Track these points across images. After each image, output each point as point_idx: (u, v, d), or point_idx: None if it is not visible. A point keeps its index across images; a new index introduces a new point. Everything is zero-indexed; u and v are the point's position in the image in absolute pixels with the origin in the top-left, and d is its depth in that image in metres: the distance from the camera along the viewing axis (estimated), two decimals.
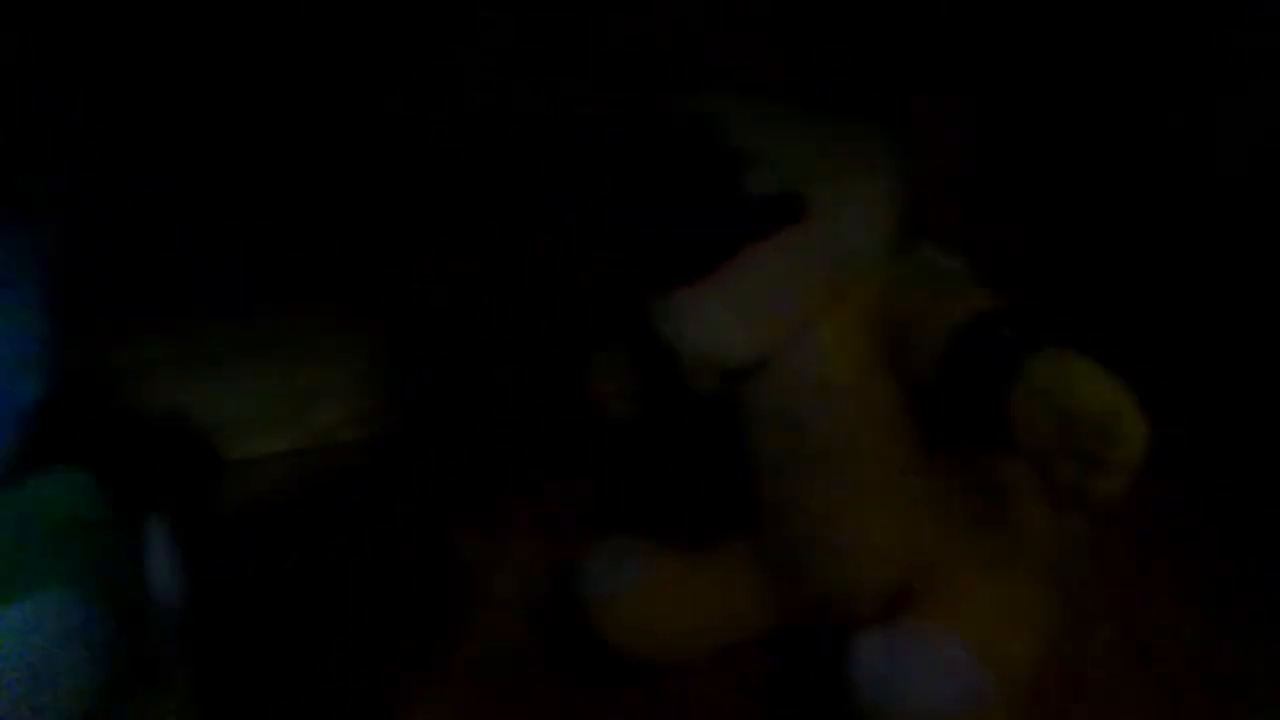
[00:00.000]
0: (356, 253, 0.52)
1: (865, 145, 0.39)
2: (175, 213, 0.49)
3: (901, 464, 0.37)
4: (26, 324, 0.34)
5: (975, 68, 0.47)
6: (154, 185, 0.48)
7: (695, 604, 0.41)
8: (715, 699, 0.41)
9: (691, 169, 0.38)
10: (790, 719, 0.40)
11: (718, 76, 0.42)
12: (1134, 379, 0.31)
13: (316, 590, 0.47)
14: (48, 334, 0.34)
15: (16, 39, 0.41)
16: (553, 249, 0.51)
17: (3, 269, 0.35)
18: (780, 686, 0.41)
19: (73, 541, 0.31)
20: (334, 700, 0.43)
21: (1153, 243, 0.54)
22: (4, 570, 0.30)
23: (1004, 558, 0.36)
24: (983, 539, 0.36)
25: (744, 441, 0.40)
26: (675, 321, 0.39)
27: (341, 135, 0.49)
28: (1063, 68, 0.50)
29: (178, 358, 0.52)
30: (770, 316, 0.38)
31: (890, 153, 0.39)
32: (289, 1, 0.46)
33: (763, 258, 0.38)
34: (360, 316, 0.54)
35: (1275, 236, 0.52)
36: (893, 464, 0.37)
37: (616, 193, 0.41)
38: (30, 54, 0.42)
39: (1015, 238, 0.47)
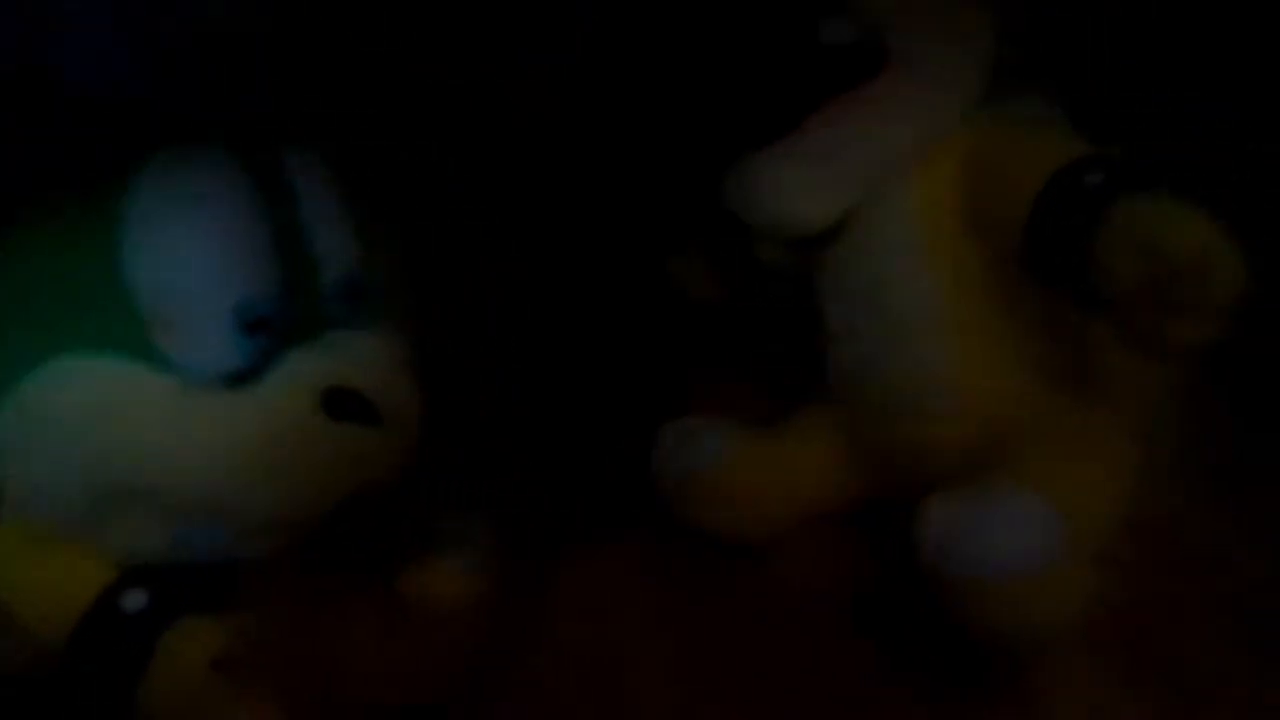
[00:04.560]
0: None
1: None
2: None
3: (986, 329, 0.35)
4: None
5: None
6: None
7: (774, 476, 0.40)
8: (802, 574, 0.40)
9: (760, 18, 0.37)
10: (878, 594, 0.39)
11: None
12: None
13: None
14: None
15: None
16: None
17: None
18: (868, 562, 0.40)
19: None
20: None
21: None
22: None
23: (1088, 415, 0.34)
24: (1067, 396, 0.34)
25: (820, 311, 0.39)
26: (743, 191, 0.38)
27: None
28: None
29: None
30: (846, 178, 0.37)
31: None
32: None
33: (837, 114, 0.36)
34: None
35: None
36: (977, 328, 0.36)
37: (684, 52, 0.40)
38: None
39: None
